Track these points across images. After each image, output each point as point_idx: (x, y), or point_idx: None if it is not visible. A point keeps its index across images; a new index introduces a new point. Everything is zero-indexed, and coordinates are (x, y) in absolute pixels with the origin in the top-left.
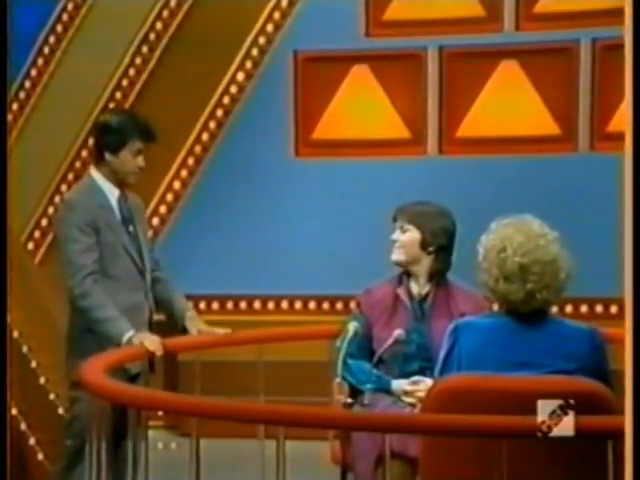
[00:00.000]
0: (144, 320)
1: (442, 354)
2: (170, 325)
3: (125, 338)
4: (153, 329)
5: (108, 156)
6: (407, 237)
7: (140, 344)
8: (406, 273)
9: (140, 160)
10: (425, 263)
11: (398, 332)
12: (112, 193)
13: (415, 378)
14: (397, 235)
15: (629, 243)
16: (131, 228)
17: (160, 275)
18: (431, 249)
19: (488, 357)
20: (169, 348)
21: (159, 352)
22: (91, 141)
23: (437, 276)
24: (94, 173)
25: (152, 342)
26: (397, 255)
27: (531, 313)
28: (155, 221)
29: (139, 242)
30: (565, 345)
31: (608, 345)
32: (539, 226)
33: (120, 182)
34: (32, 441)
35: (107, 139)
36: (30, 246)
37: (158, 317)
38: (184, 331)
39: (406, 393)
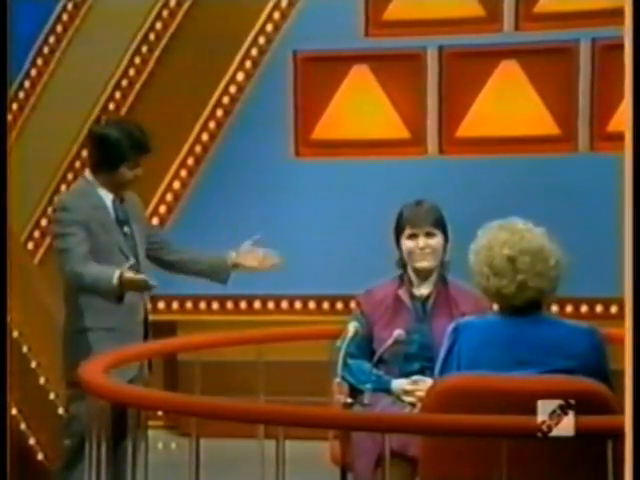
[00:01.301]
0: (140, 320)
1: (442, 354)
2: (169, 325)
3: (115, 280)
4: (152, 329)
5: (105, 170)
6: (436, 242)
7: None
8: (408, 275)
9: (138, 171)
10: (439, 264)
11: (398, 332)
12: (107, 194)
13: (415, 377)
14: (424, 241)
15: (629, 243)
16: (126, 229)
17: (179, 247)
18: (447, 250)
19: (488, 357)
20: (169, 348)
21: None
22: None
23: (439, 276)
24: (89, 177)
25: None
26: (429, 262)
27: (526, 307)
28: (155, 221)
29: (135, 242)
30: (565, 344)
31: (608, 345)
32: (523, 223)
33: (116, 190)
34: (32, 441)
35: (104, 154)
36: (30, 246)
37: (157, 317)
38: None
39: (406, 393)
